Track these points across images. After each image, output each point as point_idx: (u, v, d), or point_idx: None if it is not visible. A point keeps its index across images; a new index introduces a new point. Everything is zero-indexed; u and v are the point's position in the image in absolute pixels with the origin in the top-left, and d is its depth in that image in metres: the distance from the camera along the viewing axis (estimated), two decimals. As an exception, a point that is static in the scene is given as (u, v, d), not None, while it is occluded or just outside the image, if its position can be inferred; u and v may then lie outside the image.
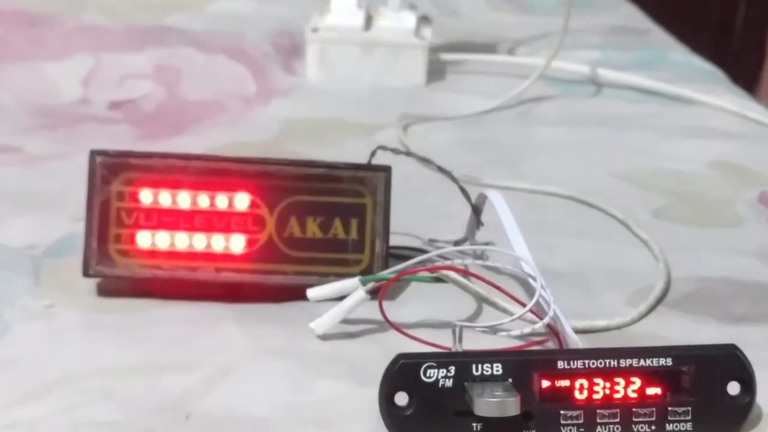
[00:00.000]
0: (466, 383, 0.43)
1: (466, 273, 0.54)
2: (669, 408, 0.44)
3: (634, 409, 0.44)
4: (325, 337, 0.51)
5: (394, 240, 0.56)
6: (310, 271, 0.55)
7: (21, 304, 0.53)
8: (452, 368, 0.43)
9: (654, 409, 0.44)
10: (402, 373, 0.43)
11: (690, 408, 0.44)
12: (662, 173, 0.74)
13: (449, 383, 0.43)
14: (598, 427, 0.44)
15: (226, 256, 0.55)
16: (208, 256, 0.55)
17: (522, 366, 0.44)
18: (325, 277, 0.54)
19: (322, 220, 0.55)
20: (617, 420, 0.44)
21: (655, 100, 0.89)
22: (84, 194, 0.54)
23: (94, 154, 0.54)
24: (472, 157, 0.75)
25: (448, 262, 0.54)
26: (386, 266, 0.55)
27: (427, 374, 0.43)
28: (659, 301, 0.57)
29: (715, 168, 0.76)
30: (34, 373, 0.47)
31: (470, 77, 0.92)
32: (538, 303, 0.48)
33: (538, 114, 0.85)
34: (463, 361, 0.44)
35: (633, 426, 0.44)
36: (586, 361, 0.44)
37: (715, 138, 0.81)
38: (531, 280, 0.50)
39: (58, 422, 0.44)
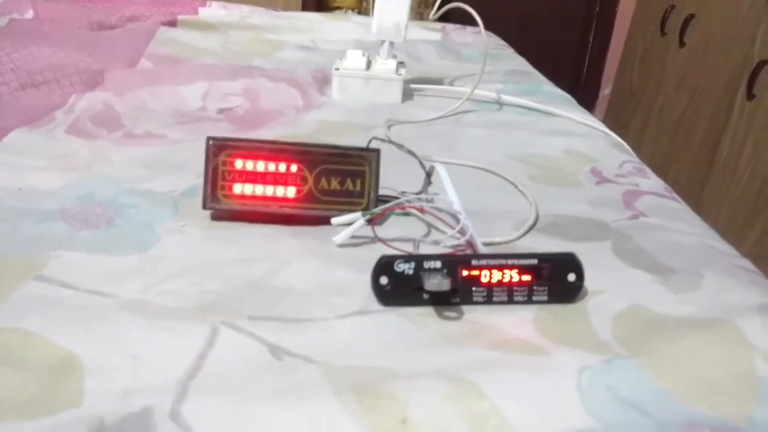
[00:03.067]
0: (420, 272, 0.44)
1: (421, 211, 0.55)
2: (534, 288, 0.44)
3: (514, 288, 0.44)
4: (341, 246, 0.51)
5: (382, 191, 0.56)
6: (333, 208, 0.55)
7: (166, 225, 0.53)
8: (412, 263, 0.44)
9: (526, 288, 0.44)
10: (384, 266, 0.44)
11: (546, 288, 0.45)
12: (537, 156, 0.73)
13: (411, 272, 0.44)
14: (494, 297, 0.44)
15: (285, 199, 0.55)
16: (275, 198, 0.54)
17: (452, 263, 0.44)
18: (341, 212, 0.55)
19: (340, 179, 0.56)
20: (505, 294, 0.44)
21: (534, 114, 0.87)
22: (202, 163, 0.54)
23: (208, 138, 0.54)
24: (428, 144, 0.74)
25: (412, 204, 0.55)
26: (376, 206, 0.55)
27: (398, 267, 0.44)
28: (531, 228, 0.56)
29: (567, 154, 0.74)
30: (174, 264, 0.47)
31: (427, 98, 0.90)
32: (462, 228, 0.49)
33: (466, 121, 0.83)
34: (418, 258, 0.44)
35: (513, 297, 0.44)
36: (489, 260, 0.44)
37: (567, 136, 0.80)
38: (459, 216, 0.50)
39: (189, 291, 0.44)
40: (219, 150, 0.54)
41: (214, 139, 0.54)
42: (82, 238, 0.49)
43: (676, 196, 0.67)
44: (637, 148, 1.31)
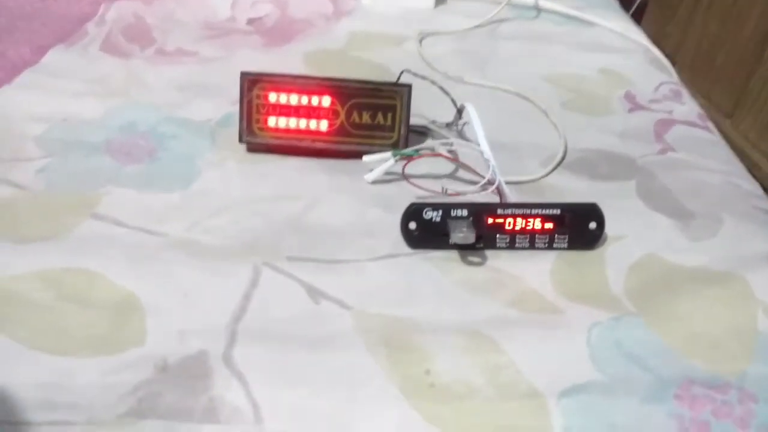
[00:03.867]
0: (448, 219, 0.46)
1: (453, 159, 0.55)
2: (556, 235, 0.47)
3: (536, 236, 0.47)
4: (373, 183, 0.53)
5: (412, 119, 0.56)
6: (364, 142, 0.56)
7: (207, 158, 0.55)
8: (440, 211, 0.46)
9: (548, 235, 0.47)
10: (413, 212, 0.46)
11: (567, 236, 0.47)
12: (570, 77, 0.72)
13: (438, 218, 0.46)
14: (516, 243, 0.47)
15: (318, 132, 0.56)
16: (308, 132, 0.56)
17: (478, 211, 0.46)
18: (372, 146, 0.56)
19: (371, 113, 0.56)
20: (527, 241, 0.47)
21: (572, 23, 0.84)
22: (234, 87, 0.54)
23: (242, 74, 0.54)
24: (460, 63, 0.73)
25: (441, 145, 0.55)
26: (407, 143, 0.56)
27: (426, 215, 0.46)
28: (559, 164, 0.57)
29: (602, 74, 0.73)
30: (215, 200, 0.50)
31: (462, 3, 0.87)
32: (491, 175, 0.50)
33: (500, 32, 0.81)
34: (446, 206, 0.46)
35: (535, 244, 0.47)
36: (513, 210, 0.46)
37: (604, 52, 0.77)
38: (488, 162, 0.51)
39: (231, 230, 0.47)
40: (252, 84, 0.55)
41: (247, 74, 0.55)
42: (128, 173, 0.52)
43: (709, 125, 0.67)
44: (684, 32, 1.25)
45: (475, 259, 0.46)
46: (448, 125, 0.60)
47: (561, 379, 0.37)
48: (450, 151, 0.55)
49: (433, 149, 0.53)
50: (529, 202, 0.47)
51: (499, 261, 0.46)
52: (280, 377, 0.37)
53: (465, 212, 0.46)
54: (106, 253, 0.44)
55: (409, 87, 0.56)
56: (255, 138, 0.56)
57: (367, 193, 0.52)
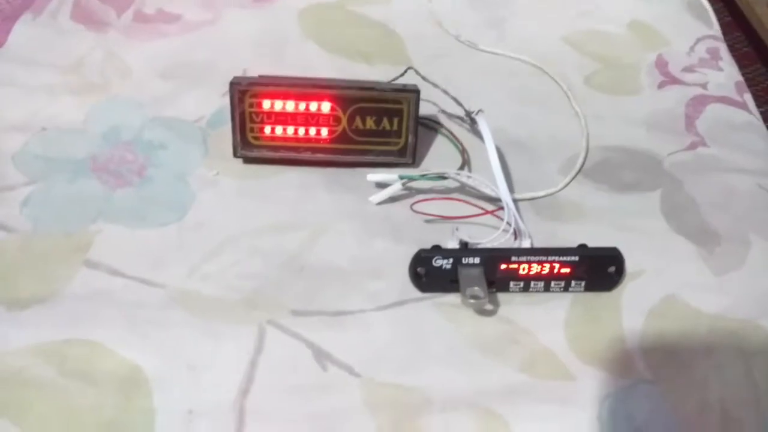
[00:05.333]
0: (459, 266, 0.44)
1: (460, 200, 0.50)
2: (572, 280, 0.45)
3: (552, 281, 0.45)
4: (379, 205, 0.50)
5: (422, 109, 0.51)
6: (369, 149, 0.53)
7: (198, 174, 0.51)
8: (450, 259, 0.44)
9: (564, 280, 0.45)
10: (421, 260, 0.44)
11: (584, 281, 0.45)
12: (596, 36, 0.65)
13: (449, 266, 0.44)
14: (531, 287, 0.45)
15: (318, 139, 0.52)
16: (307, 139, 0.52)
17: (491, 258, 0.44)
18: (377, 153, 0.53)
19: (376, 118, 0.52)
20: (541, 285, 0.45)
21: None
22: (224, 66, 0.50)
23: (232, 83, 0.49)
24: (475, 18, 0.67)
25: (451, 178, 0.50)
26: (415, 151, 0.52)
27: (436, 262, 0.44)
28: (579, 170, 0.53)
29: (631, 30, 0.66)
30: (213, 234, 0.47)
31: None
32: (507, 218, 0.46)
33: None
34: (456, 253, 0.44)
35: (551, 288, 0.45)
36: (528, 256, 0.44)
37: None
38: (503, 203, 0.47)
39: (231, 275, 0.45)
40: (243, 94, 0.50)
41: (237, 83, 0.50)
42: (119, 201, 0.49)
43: (747, 98, 0.62)
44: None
45: (487, 307, 0.45)
46: (462, 119, 0.56)
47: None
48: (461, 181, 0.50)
49: (443, 176, 0.49)
50: (545, 248, 0.45)
51: (512, 308, 0.45)
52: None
53: (477, 260, 0.44)
54: (106, 315, 0.43)
55: (416, 92, 0.50)
56: (251, 150, 0.52)
57: (374, 218, 0.50)
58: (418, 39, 0.64)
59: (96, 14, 0.64)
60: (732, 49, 0.73)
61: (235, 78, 0.50)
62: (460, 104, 0.52)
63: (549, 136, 0.56)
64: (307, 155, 0.53)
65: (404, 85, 0.52)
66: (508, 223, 0.45)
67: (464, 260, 0.44)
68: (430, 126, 0.56)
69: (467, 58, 0.62)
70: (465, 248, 0.45)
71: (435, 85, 0.52)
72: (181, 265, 0.46)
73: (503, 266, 0.44)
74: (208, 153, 0.53)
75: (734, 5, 1.22)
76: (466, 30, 0.65)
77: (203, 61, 0.60)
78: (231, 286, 0.45)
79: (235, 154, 0.52)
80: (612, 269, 0.45)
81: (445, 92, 0.51)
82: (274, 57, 0.62)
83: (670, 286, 0.46)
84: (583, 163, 0.54)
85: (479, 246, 0.44)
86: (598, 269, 0.45)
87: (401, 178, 0.49)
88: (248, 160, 0.53)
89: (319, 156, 0.53)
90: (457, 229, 0.46)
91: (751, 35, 1.20)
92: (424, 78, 0.52)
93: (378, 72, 0.59)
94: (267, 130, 0.52)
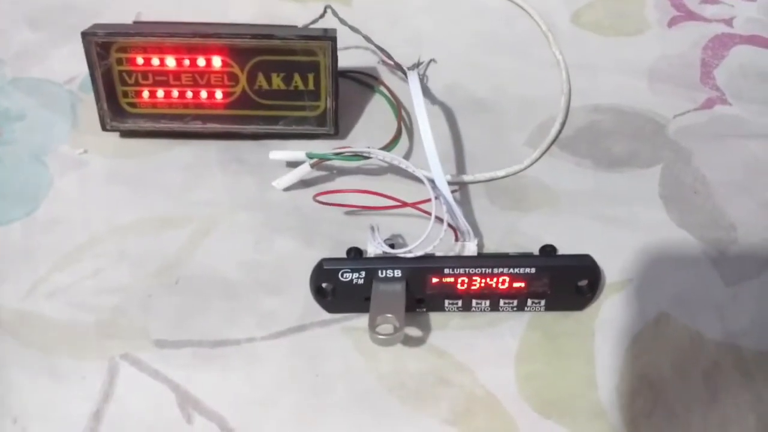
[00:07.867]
0: (374, 280, 0.33)
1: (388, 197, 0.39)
2: (528, 299, 0.34)
3: (501, 299, 0.34)
4: (285, 191, 0.39)
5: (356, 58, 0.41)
6: (278, 114, 0.41)
7: (61, 151, 0.41)
8: (363, 273, 0.33)
9: (517, 298, 0.34)
10: (324, 273, 0.34)
11: (544, 299, 0.34)
12: None
13: (361, 281, 0.33)
14: (473, 307, 0.34)
15: (212, 104, 0.41)
16: (198, 103, 0.41)
17: (418, 271, 0.33)
18: (289, 120, 0.41)
19: (285, 75, 0.40)
20: (488, 304, 0.34)
21: None
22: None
23: (84, 34, 0.37)
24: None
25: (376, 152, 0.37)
26: (336, 121, 0.41)
27: (344, 276, 0.34)
28: (554, 140, 0.41)
29: None
30: (70, 232, 0.38)
31: None
32: (442, 210, 0.33)
33: None
34: (370, 264, 0.33)
35: (499, 307, 0.34)
36: (467, 268, 0.33)
37: None
38: (436, 191, 0.34)
39: (86, 287, 0.35)
40: (107, 48, 0.39)
41: (93, 34, 0.38)
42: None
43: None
44: None
45: (414, 334, 0.34)
46: (403, 71, 0.43)
47: None
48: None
49: (363, 155, 0.37)
50: (493, 254, 0.34)
51: (446, 335, 0.34)
52: None
53: (399, 273, 0.33)
54: None
55: (332, 40, 0.38)
56: (124, 121, 0.41)
57: (277, 209, 0.39)
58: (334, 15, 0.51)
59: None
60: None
61: (90, 27, 0.38)
62: (389, 55, 0.39)
63: (518, 95, 0.44)
64: (196, 125, 0.41)
65: (325, 30, 0.40)
66: (439, 218, 0.33)
67: (381, 273, 0.33)
68: (368, 83, 0.44)
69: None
70: (382, 257, 0.34)
71: (354, 30, 0.39)
72: (21, 277, 0.36)
73: (434, 279, 0.33)
74: (77, 125, 0.43)
75: None
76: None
77: (84, 5, 0.49)
78: (83, 306, 0.35)
79: (104, 127, 0.41)
80: (584, 283, 0.34)
81: (368, 39, 0.39)
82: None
83: (663, 302, 0.34)
84: (560, 130, 0.42)
85: (406, 252, 0.33)
86: (565, 282, 0.34)
87: (309, 157, 0.38)
88: (125, 134, 0.42)
89: (213, 126, 0.41)
90: (376, 229, 0.34)
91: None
92: (341, 20, 0.40)
93: (312, 12, 0.47)
94: (145, 94, 0.41)
